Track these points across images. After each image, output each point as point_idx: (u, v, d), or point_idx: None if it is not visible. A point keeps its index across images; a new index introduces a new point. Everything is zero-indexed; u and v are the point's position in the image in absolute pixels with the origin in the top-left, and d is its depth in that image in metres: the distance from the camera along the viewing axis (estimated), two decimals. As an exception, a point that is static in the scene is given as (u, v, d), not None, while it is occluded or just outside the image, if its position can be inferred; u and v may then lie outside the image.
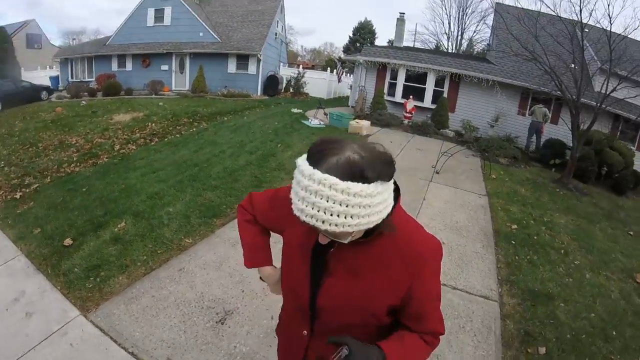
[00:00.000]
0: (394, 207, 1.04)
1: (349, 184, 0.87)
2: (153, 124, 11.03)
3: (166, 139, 9.49)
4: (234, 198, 5.85)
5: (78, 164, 7.76)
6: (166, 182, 6.41)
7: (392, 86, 15.60)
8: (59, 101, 18.33)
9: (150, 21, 22.30)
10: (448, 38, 33.72)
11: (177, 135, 9.89)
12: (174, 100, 16.83)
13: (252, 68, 20.96)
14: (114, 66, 23.22)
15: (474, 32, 32.70)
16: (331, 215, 0.89)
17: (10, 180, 6.99)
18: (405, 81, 15.25)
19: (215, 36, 21.33)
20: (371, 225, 0.95)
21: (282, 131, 10.31)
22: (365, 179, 0.89)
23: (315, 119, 12.39)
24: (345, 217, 0.89)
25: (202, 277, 4.06)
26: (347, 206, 0.88)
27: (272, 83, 21.25)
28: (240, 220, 1.56)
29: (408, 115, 13.92)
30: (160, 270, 4.18)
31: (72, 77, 25.18)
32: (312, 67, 32.05)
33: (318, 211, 0.89)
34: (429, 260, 1.12)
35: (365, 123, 11.60)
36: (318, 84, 22.88)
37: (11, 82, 19.69)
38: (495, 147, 10.93)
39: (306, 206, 0.91)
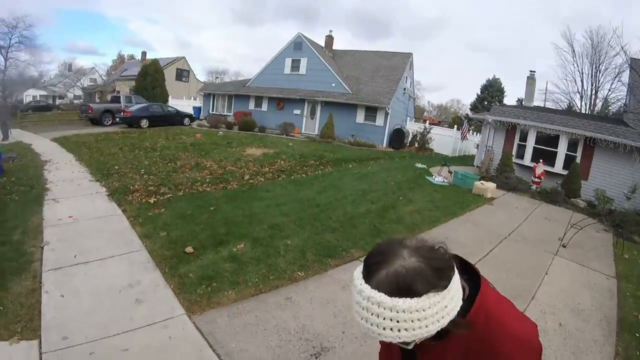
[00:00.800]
0: (472, 298, 1.10)
1: (396, 300, 0.94)
2: (282, 161, 12.23)
3: (292, 177, 10.45)
4: (351, 243, 6.16)
5: (210, 185, 8.99)
6: (288, 217, 7.04)
7: (521, 148, 15.55)
8: (199, 128, 21.55)
9: (287, 69, 26.21)
10: (581, 97, 31.38)
11: (303, 175, 10.83)
12: (303, 143, 18.55)
13: (379, 120, 22.69)
14: (251, 105, 27.21)
15: (609, 90, 29.76)
16: (384, 329, 0.95)
17: (147, 187, 8.33)
18: (535, 143, 15.12)
19: (347, 87, 23.89)
20: (432, 333, 0.99)
21: (404, 185, 10.56)
22: (414, 293, 0.95)
23: (439, 176, 12.47)
24: (398, 331, 0.95)
25: (306, 311, 4.32)
26: (397, 322, 0.94)
27: (398, 136, 22.58)
28: None
29: (537, 180, 13.58)
30: (269, 295, 4.56)
31: (212, 110, 29.55)
32: (439, 123, 32.62)
33: (371, 325, 0.96)
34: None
35: (491, 185, 11.28)
36: (443, 140, 23.67)
37: (159, 106, 24.26)
38: (630, 223, 9.78)
39: (360, 319, 0.99)
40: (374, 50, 28.26)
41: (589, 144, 13.73)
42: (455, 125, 25.90)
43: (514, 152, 15.38)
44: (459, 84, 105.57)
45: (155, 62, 33.90)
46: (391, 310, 0.94)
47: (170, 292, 4.49)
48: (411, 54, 27.01)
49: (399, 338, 0.96)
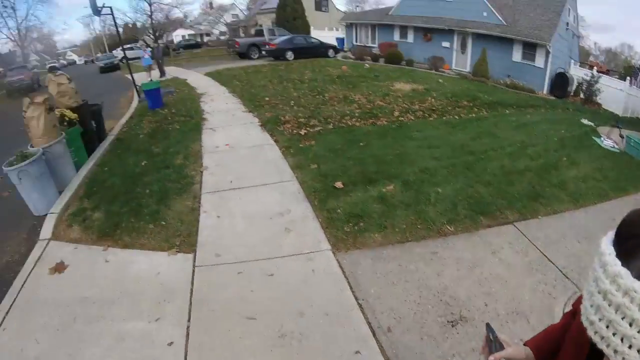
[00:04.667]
0: None
1: None
2: (432, 100, 11.70)
3: (444, 118, 9.94)
4: (506, 202, 5.57)
5: (359, 119, 9.04)
6: (439, 161, 6.74)
7: None
8: (344, 60, 21.57)
9: (432, -5, 23.48)
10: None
11: (456, 117, 10.22)
12: (454, 80, 17.49)
13: (539, 60, 19.57)
14: (396, 36, 26.02)
15: None
16: (629, 347, 0.63)
17: (298, 118, 8.70)
18: None
19: (500, 18, 20.72)
20: None
21: (569, 142, 9.15)
22: None
23: (609, 140, 10.38)
24: None
25: (451, 271, 4.13)
26: None
27: (561, 82, 19.48)
28: None
29: None
30: (415, 245, 4.50)
31: (356, 41, 29.31)
32: (607, 72, 26.97)
33: (614, 335, 0.65)
34: None
35: (675, 164, 9.02)
36: (613, 94, 19.24)
37: (302, 38, 24.90)
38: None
39: (599, 320, 0.69)
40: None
41: None
42: (629, 78, 21.15)
43: None
44: (633, 24, 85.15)
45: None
46: None
47: (317, 225, 4.72)
48: (573, -22, 22.11)
49: None
